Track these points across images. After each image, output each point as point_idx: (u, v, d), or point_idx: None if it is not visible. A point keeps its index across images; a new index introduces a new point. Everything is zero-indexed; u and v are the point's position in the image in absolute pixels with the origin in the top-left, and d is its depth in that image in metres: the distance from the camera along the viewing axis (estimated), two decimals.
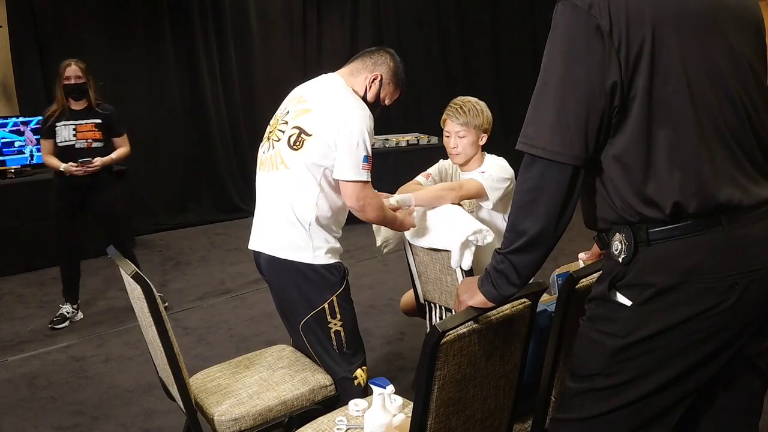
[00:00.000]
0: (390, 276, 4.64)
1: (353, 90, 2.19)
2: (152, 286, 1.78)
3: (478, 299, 1.42)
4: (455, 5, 7.92)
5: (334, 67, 2.31)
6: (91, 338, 3.63)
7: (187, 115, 6.42)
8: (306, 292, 2.13)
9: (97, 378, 3.24)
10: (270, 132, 2.24)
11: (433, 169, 2.74)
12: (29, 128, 5.02)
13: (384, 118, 6.77)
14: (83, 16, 5.69)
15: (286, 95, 2.31)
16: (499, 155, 2.63)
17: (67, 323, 3.84)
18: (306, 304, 2.13)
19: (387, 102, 2.29)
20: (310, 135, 2.08)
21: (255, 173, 2.29)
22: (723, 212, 1.25)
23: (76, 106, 3.71)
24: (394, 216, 2.26)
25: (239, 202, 6.60)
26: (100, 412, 2.91)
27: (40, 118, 4.17)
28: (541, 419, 1.74)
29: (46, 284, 4.56)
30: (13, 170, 4.97)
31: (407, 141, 6.36)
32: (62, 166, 3.63)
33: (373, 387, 1.78)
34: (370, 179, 2.09)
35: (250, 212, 6.17)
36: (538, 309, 1.69)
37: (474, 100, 2.57)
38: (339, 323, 2.14)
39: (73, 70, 3.64)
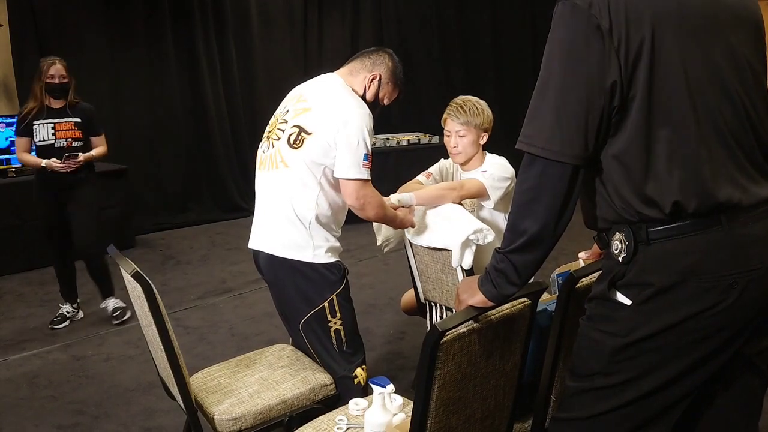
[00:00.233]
0: (390, 275, 4.64)
1: (352, 89, 2.20)
2: (153, 285, 1.79)
3: (478, 298, 1.42)
4: (456, 5, 7.92)
5: (334, 67, 2.31)
6: (92, 337, 3.63)
7: (188, 115, 6.42)
8: (306, 291, 2.13)
9: (98, 377, 3.24)
10: (269, 131, 2.24)
11: (433, 169, 2.74)
12: None
13: (385, 117, 6.77)
14: (84, 15, 5.70)
15: (287, 95, 2.31)
16: (499, 154, 2.63)
17: (67, 323, 3.83)
18: (306, 302, 2.13)
19: (386, 101, 2.30)
20: (310, 134, 2.09)
21: (255, 173, 2.29)
22: (722, 212, 1.25)
23: (55, 104, 3.62)
24: (394, 214, 2.26)
25: (240, 202, 6.61)
26: (100, 411, 2.91)
27: None
28: (541, 419, 1.75)
29: (47, 283, 4.56)
30: (14, 169, 4.98)
31: (408, 140, 6.37)
32: (43, 162, 3.54)
33: (373, 386, 1.78)
34: (370, 177, 2.09)
35: (250, 211, 6.18)
36: (538, 308, 1.69)
37: (475, 99, 2.57)
38: (339, 322, 2.14)
39: (57, 69, 3.57)
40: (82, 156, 3.61)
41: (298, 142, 2.10)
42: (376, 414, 1.68)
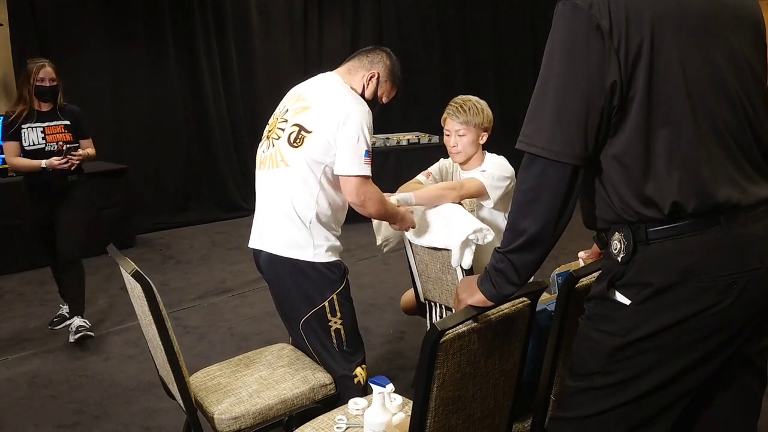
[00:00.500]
0: (390, 275, 4.64)
1: (351, 88, 2.20)
2: (152, 285, 1.79)
3: (478, 298, 1.42)
4: (456, 5, 7.92)
5: (334, 67, 2.32)
6: (92, 337, 3.62)
7: (188, 114, 6.42)
8: (306, 290, 2.13)
9: (98, 377, 3.24)
10: (269, 131, 2.24)
11: (433, 168, 2.74)
12: None
13: (385, 117, 6.77)
14: (84, 14, 5.70)
15: (286, 95, 2.32)
16: (499, 154, 2.63)
17: (66, 323, 3.79)
18: (306, 302, 2.13)
19: (384, 100, 2.30)
20: (310, 132, 2.09)
21: (255, 172, 2.29)
22: (722, 212, 1.25)
23: (43, 107, 3.49)
24: (395, 210, 2.25)
25: (240, 201, 6.60)
26: (100, 411, 2.91)
27: None
28: (541, 418, 1.75)
29: (47, 282, 4.55)
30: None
31: (408, 140, 6.37)
32: (43, 163, 3.39)
33: (372, 386, 1.79)
34: (371, 174, 2.09)
35: (251, 211, 6.17)
36: (538, 308, 1.69)
37: (474, 98, 2.57)
38: (339, 321, 2.15)
39: (47, 72, 3.44)
40: (81, 150, 3.52)
41: (298, 140, 2.10)
42: (375, 413, 1.68)
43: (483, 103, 2.57)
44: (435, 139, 6.36)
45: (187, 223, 6.26)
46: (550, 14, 1.31)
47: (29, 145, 3.45)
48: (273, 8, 6.85)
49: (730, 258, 1.24)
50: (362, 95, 2.22)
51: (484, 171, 2.51)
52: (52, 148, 3.47)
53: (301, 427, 1.87)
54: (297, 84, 2.32)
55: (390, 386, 1.78)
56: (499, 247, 1.38)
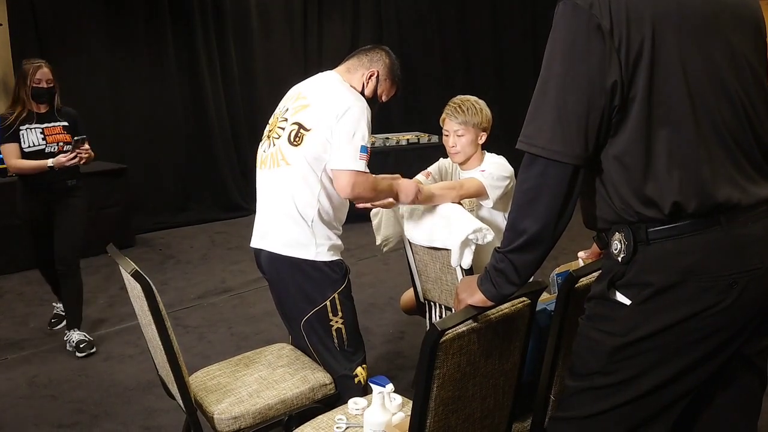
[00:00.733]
0: (390, 275, 4.64)
1: (351, 86, 2.20)
2: (152, 285, 1.79)
3: (478, 298, 1.42)
4: (456, 4, 7.92)
5: (334, 67, 2.32)
6: (92, 336, 3.62)
7: (188, 114, 6.42)
8: (307, 289, 2.13)
9: (98, 376, 3.24)
10: (270, 130, 2.24)
11: (433, 168, 2.74)
12: None
13: (384, 116, 6.78)
14: (84, 14, 5.70)
15: (285, 95, 2.32)
16: (499, 154, 2.63)
17: (64, 322, 3.74)
18: (307, 301, 2.13)
19: (384, 98, 2.30)
20: (309, 130, 2.09)
21: (255, 171, 2.29)
22: (722, 212, 1.25)
23: (40, 109, 3.39)
24: (389, 186, 2.20)
25: (240, 201, 6.61)
26: (100, 411, 2.91)
27: None
28: (541, 418, 1.75)
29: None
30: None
31: (407, 140, 6.36)
32: (50, 162, 3.28)
33: (372, 385, 1.79)
34: (367, 170, 2.07)
35: (251, 211, 6.23)
36: (538, 308, 1.69)
37: (473, 98, 2.57)
38: (340, 321, 2.14)
39: (44, 73, 3.34)
40: (88, 146, 3.39)
41: (297, 139, 2.10)
42: (375, 413, 1.68)
43: (482, 103, 2.56)
44: (434, 139, 6.36)
45: (187, 222, 6.26)
46: (550, 14, 1.31)
47: (29, 147, 3.34)
48: (273, 8, 6.85)
49: (731, 258, 1.24)
50: (362, 94, 2.21)
51: (483, 171, 2.51)
52: (52, 150, 3.38)
53: (300, 427, 1.87)
54: (297, 84, 2.32)
55: (390, 386, 1.78)
56: (499, 247, 1.38)
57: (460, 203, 2.43)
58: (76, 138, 3.38)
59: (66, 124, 3.46)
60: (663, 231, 1.26)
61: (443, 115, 2.58)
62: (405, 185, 2.27)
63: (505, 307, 1.53)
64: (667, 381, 1.29)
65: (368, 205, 2.34)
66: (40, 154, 3.35)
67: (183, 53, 6.29)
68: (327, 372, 2.17)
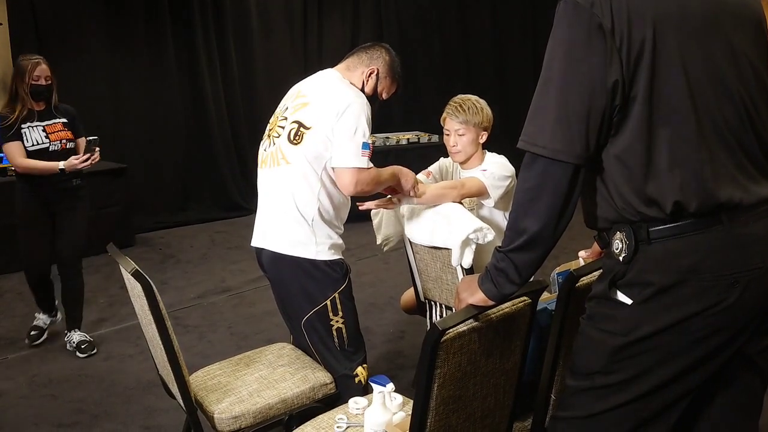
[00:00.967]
0: (390, 274, 4.64)
1: (350, 83, 2.20)
2: (152, 284, 1.78)
3: (479, 297, 1.42)
4: (456, 5, 7.92)
5: (334, 66, 2.31)
6: (92, 336, 3.62)
7: (188, 114, 6.42)
8: (308, 288, 2.13)
9: (97, 376, 3.24)
10: (270, 129, 2.24)
11: (433, 168, 2.74)
12: None
13: (385, 116, 6.77)
14: (83, 14, 5.70)
15: (286, 94, 2.32)
16: (499, 153, 2.63)
17: (45, 336, 3.60)
18: (308, 300, 2.13)
19: (384, 96, 2.30)
20: (309, 128, 2.08)
21: (256, 171, 2.29)
22: (723, 211, 1.25)
23: (38, 106, 3.30)
24: (391, 173, 2.20)
25: (240, 200, 6.61)
26: (100, 410, 2.91)
27: None
28: (541, 417, 1.75)
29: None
30: (14, 168, 4.95)
31: (408, 139, 6.36)
32: (61, 164, 3.18)
33: (373, 385, 1.78)
34: (370, 165, 2.06)
35: (250, 210, 6.23)
36: (539, 307, 1.69)
37: (474, 98, 2.57)
38: (341, 320, 2.14)
39: (43, 70, 3.25)
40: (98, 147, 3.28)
41: (297, 137, 2.10)
42: (375, 413, 1.68)
43: (482, 102, 2.56)
44: (435, 138, 6.36)
45: (187, 222, 6.26)
46: (550, 13, 1.31)
47: (32, 145, 3.25)
48: (273, 8, 6.84)
49: (732, 257, 1.24)
50: (362, 91, 2.21)
51: (484, 170, 2.51)
52: (56, 147, 3.30)
53: (301, 427, 1.87)
54: (297, 82, 2.32)
55: (390, 385, 1.77)
56: (500, 246, 1.38)
57: (460, 202, 2.43)
58: (89, 139, 3.26)
59: (65, 120, 3.39)
60: (664, 230, 1.26)
61: (444, 114, 2.58)
62: (406, 171, 2.27)
63: (506, 307, 1.52)
64: (669, 381, 1.29)
65: (371, 205, 2.34)
66: (44, 153, 3.26)
67: (183, 53, 6.28)
68: (327, 371, 2.16)
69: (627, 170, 1.27)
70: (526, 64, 8.02)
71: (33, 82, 3.23)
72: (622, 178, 1.28)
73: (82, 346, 3.46)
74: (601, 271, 1.42)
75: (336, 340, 2.15)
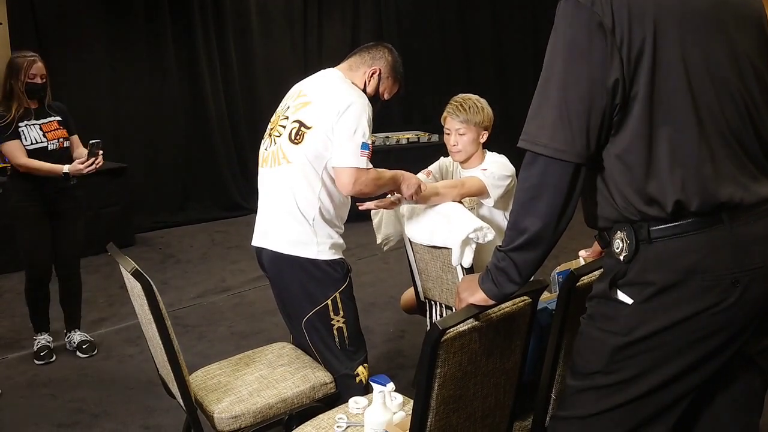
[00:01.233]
0: (390, 274, 4.64)
1: (352, 83, 2.19)
2: (152, 284, 1.78)
3: (479, 297, 1.41)
4: (456, 3, 7.92)
5: (334, 65, 2.31)
6: (91, 336, 3.61)
7: (188, 113, 6.42)
8: (309, 288, 2.13)
9: (97, 375, 3.24)
10: (271, 129, 2.24)
11: (433, 167, 2.73)
12: None
13: (385, 115, 6.76)
14: (83, 13, 5.70)
15: (287, 93, 2.31)
16: (500, 153, 2.63)
17: (54, 357, 3.43)
18: (309, 300, 2.13)
19: (386, 96, 2.29)
20: (310, 128, 2.08)
21: (256, 171, 2.29)
22: (724, 210, 1.25)
23: (33, 104, 3.22)
24: (392, 176, 2.19)
25: (240, 200, 6.61)
26: (100, 410, 2.91)
27: None
28: (542, 417, 1.74)
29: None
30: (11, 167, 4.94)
31: (408, 139, 6.36)
32: (65, 168, 3.11)
33: (373, 385, 1.78)
34: (370, 166, 2.06)
35: (250, 210, 6.22)
36: (539, 307, 1.68)
37: (475, 97, 2.57)
38: (342, 320, 2.14)
39: (39, 68, 3.17)
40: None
41: (298, 137, 2.10)
42: (376, 412, 1.68)
43: (483, 102, 2.56)
44: (435, 137, 6.36)
45: (187, 222, 6.26)
46: (550, 13, 1.31)
47: (30, 144, 3.16)
48: (272, 7, 6.84)
49: (733, 257, 1.23)
50: (364, 91, 2.21)
51: (485, 170, 2.51)
52: (54, 147, 3.22)
53: (301, 426, 1.87)
54: (298, 82, 2.31)
55: (391, 385, 1.77)
56: (500, 246, 1.38)
57: (460, 202, 2.43)
58: (91, 142, 3.18)
59: (60, 119, 3.31)
60: (665, 230, 1.26)
61: (445, 114, 2.58)
62: (408, 176, 2.26)
63: (507, 306, 1.52)
64: (669, 380, 1.29)
65: (371, 205, 2.33)
66: (42, 152, 3.19)
67: (183, 53, 6.28)
68: (328, 371, 2.16)
69: (627, 169, 1.27)
70: (526, 64, 8.01)
71: (29, 81, 3.15)
72: (623, 178, 1.28)
73: (83, 346, 3.46)
74: (601, 270, 1.42)
75: (337, 339, 2.15)
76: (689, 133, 1.24)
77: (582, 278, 1.64)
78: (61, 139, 3.27)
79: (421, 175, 2.67)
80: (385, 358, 3.33)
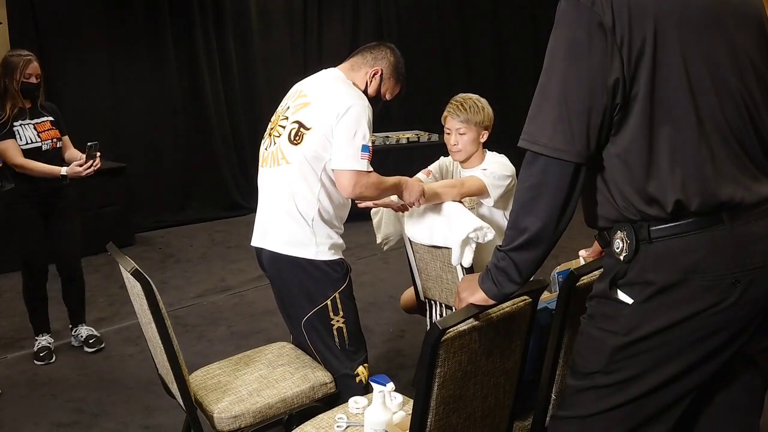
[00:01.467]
0: (390, 273, 4.64)
1: (353, 84, 2.19)
2: (152, 283, 1.78)
3: (479, 296, 1.41)
4: (456, 3, 7.92)
5: (334, 65, 2.31)
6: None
7: (188, 113, 6.42)
8: (309, 288, 2.12)
9: (97, 375, 3.24)
10: (271, 128, 2.24)
11: (433, 167, 2.73)
12: None
13: (384, 115, 6.77)
14: (83, 13, 5.69)
15: (287, 92, 2.31)
16: (500, 153, 2.63)
17: (54, 358, 3.43)
18: (308, 300, 2.13)
19: (388, 97, 2.29)
20: (309, 128, 2.08)
21: (256, 170, 2.28)
22: (724, 210, 1.24)
23: (26, 104, 3.18)
24: (395, 183, 2.19)
25: (240, 200, 6.61)
26: (99, 410, 2.91)
27: None
28: (542, 417, 1.74)
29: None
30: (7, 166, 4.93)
31: (408, 138, 6.36)
32: (63, 170, 3.08)
33: (373, 384, 1.78)
34: (370, 169, 2.06)
35: (250, 210, 6.22)
36: (539, 306, 1.68)
37: (475, 97, 2.57)
38: (341, 320, 2.14)
39: (35, 68, 3.13)
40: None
41: (298, 137, 2.10)
42: (376, 412, 1.68)
43: (483, 102, 2.56)
44: (435, 137, 6.36)
45: (187, 221, 6.26)
46: (550, 12, 1.31)
47: (26, 144, 3.13)
48: (272, 7, 6.84)
49: (733, 256, 1.23)
50: (365, 92, 2.20)
51: (485, 169, 2.51)
52: (47, 147, 3.19)
53: (301, 426, 1.87)
54: (297, 82, 2.31)
55: (390, 385, 1.77)
56: (500, 245, 1.38)
57: (460, 202, 2.43)
58: (89, 144, 3.13)
59: (52, 119, 3.28)
60: (665, 229, 1.26)
61: (445, 113, 2.58)
62: (411, 183, 2.26)
63: (507, 306, 1.52)
64: (669, 380, 1.28)
65: (370, 204, 2.33)
66: (37, 152, 3.16)
67: (183, 53, 6.28)
68: (327, 371, 2.16)
69: (628, 169, 1.27)
70: (526, 64, 8.01)
71: (24, 80, 3.11)
72: (623, 177, 1.28)
73: (90, 341, 3.48)
74: (601, 270, 1.41)
75: (337, 339, 2.15)
76: (689, 133, 1.24)
77: (582, 278, 1.64)
78: (55, 140, 3.25)
79: (421, 175, 2.68)
80: (384, 358, 3.33)
